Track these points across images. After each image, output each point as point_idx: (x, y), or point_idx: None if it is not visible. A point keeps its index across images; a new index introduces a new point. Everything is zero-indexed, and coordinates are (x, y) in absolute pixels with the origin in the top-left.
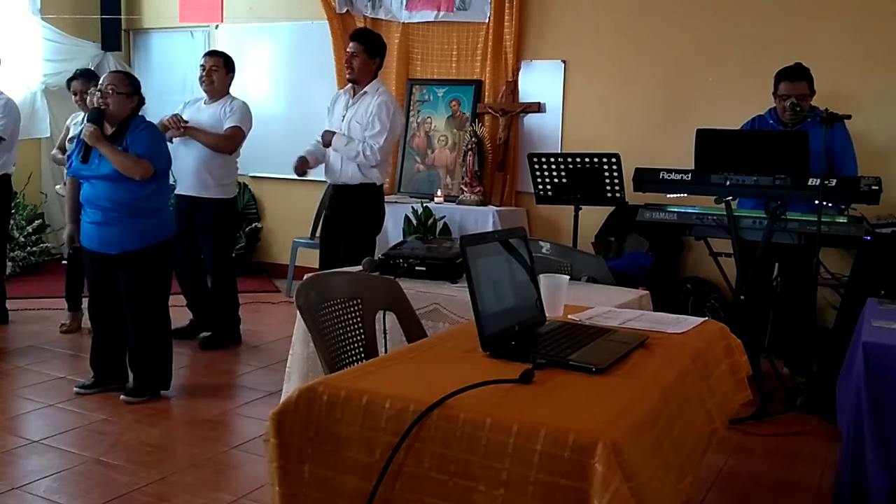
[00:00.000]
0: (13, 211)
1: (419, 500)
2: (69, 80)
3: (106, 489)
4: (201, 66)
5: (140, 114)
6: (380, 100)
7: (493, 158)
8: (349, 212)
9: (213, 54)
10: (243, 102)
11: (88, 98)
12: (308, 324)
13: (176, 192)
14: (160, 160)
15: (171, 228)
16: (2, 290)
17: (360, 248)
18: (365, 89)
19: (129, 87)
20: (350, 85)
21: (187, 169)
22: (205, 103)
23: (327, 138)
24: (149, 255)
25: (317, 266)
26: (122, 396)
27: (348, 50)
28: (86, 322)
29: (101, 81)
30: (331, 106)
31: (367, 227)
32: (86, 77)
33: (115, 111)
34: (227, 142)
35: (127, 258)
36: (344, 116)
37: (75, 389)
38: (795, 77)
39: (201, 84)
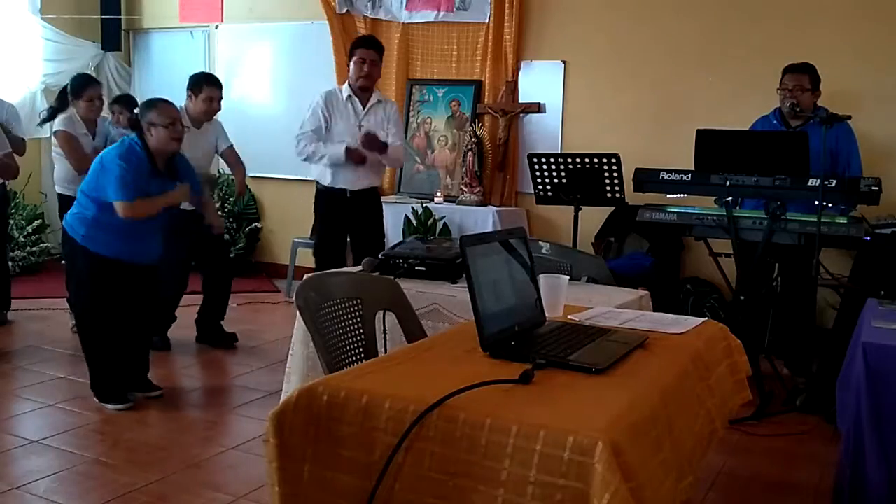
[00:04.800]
0: (13, 211)
1: (419, 500)
2: (112, 103)
3: (106, 489)
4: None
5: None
6: (394, 108)
7: (493, 158)
8: (365, 214)
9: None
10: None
11: (117, 117)
12: (308, 324)
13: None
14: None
15: (111, 249)
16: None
17: (376, 246)
18: (377, 99)
19: None
20: (347, 91)
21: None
22: None
23: (382, 149)
24: (73, 252)
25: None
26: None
27: (367, 58)
28: None
29: (168, 115)
30: (327, 112)
31: (380, 225)
32: (124, 102)
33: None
34: None
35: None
36: (359, 126)
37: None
38: (797, 70)
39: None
